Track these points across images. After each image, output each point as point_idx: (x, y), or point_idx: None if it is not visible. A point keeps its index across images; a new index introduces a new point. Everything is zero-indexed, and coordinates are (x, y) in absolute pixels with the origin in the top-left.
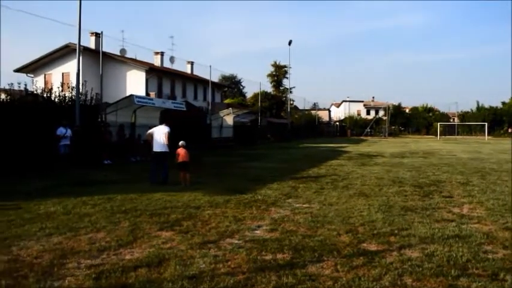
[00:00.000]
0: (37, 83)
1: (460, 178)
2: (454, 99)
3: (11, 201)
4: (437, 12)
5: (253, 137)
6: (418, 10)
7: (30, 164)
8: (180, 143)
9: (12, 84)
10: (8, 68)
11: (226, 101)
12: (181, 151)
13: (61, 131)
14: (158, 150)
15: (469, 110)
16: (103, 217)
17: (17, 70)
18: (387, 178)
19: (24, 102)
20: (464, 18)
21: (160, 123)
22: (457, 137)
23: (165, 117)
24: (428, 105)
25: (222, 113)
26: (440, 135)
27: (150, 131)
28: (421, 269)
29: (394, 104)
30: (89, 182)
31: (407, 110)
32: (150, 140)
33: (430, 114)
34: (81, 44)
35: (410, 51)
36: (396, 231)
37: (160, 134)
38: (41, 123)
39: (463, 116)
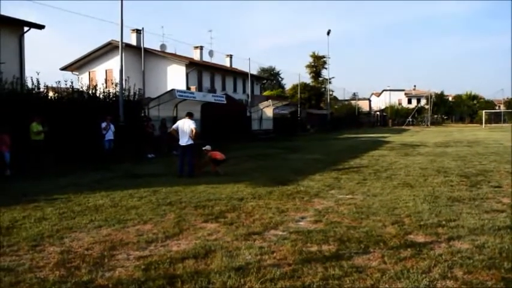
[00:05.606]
0: (82, 80)
1: (508, 167)
2: (500, 85)
3: (62, 195)
4: None
5: (293, 128)
6: None
7: (78, 158)
8: (207, 147)
9: (59, 82)
10: (54, 66)
11: (266, 93)
12: (217, 154)
13: (103, 125)
14: (183, 143)
15: None
16: (149, 209)
17: (63, 68)
18: (431, 168)
19: (72, 99)
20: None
21: (186, 117)
22: (504, 125)
23: (190, 113)
24: (473, 93)
25: (262, 105)
26: (485, 123)
27: (174, 125)
28: (471, 261)
29: (437, 92)
30: (134, 176)
31: (450, 98)
32: (174, 134)
33: (475, 102)
34: (123, 41)
35: (454, 38)
36: (444, 223)
37: (185, 127)
38: (87, 119)
39: (509, 103)
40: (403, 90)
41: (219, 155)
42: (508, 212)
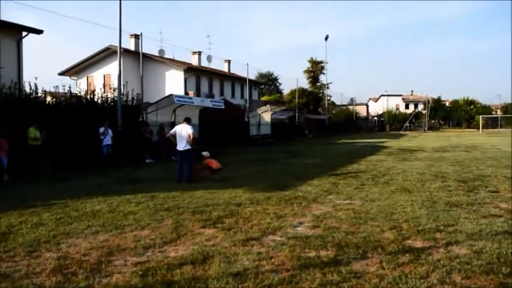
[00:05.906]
0: (80, 85)
1: (506, 172)
2: (497, 91)
3: (59, 200)
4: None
5: (291, 133)
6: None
7: (76, 163)
8: (205, 153)
9: (57, 87)
10: (52, 71)
11: (264, 98)
12: (213, 162)
13: (101, 130)
14: (180, 148)
15: None
16: (147, 215)
17: (61, 73)
18: (429, 173)
19: (70, 104)
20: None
21: (183, 122)
22: (501, 130)
23: (188, 118)
24: (470, 98)
25: (260, 110)
26: (482, 128)
27: (172, 130)
28: (470, 266)
29: (434, 97)
30: (132, 181)
31: (447, 104)
32: (172, 139)
33: (472, 107)
34: (122, 46)
35: (451, 43)
36: (442, 228)
37: (183, 132)
38: (85, 124)
39: (507, 108)
40: (400, 95)
41: (214, 164)
42: (505, 217)
